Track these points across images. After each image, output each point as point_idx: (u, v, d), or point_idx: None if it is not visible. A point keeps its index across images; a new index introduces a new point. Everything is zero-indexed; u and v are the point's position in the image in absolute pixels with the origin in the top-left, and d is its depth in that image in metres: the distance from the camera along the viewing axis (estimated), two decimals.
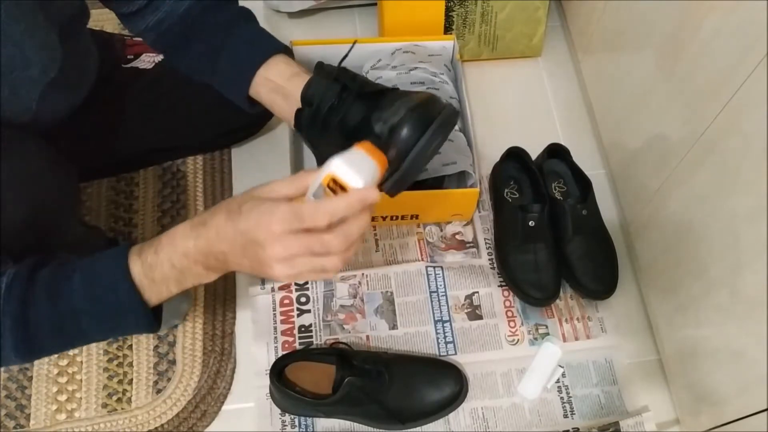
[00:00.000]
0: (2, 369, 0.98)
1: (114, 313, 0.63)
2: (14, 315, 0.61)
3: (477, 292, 1.04)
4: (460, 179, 1.05)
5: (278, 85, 0.82)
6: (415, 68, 1.10)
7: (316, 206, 0.58)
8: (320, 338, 1.00)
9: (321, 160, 1.04)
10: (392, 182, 0.74)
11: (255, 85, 0.83)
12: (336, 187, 0.60)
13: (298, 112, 0.80)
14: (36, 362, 0.99)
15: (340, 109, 0.78)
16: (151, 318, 0.65)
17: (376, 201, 0.60)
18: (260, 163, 1.15)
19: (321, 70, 0.81)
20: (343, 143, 0.70)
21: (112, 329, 0.66)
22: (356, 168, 0.61)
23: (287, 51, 0.85)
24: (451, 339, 1.01)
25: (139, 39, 1.05)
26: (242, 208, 0.60)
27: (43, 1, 0.69)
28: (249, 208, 0.59)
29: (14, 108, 0.71)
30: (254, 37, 0.85)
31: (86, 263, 0.64)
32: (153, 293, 0.63)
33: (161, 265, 0.62)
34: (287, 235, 0.58)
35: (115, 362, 0.99)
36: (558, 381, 0.98)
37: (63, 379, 0.98)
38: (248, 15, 0.87)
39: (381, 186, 0.72)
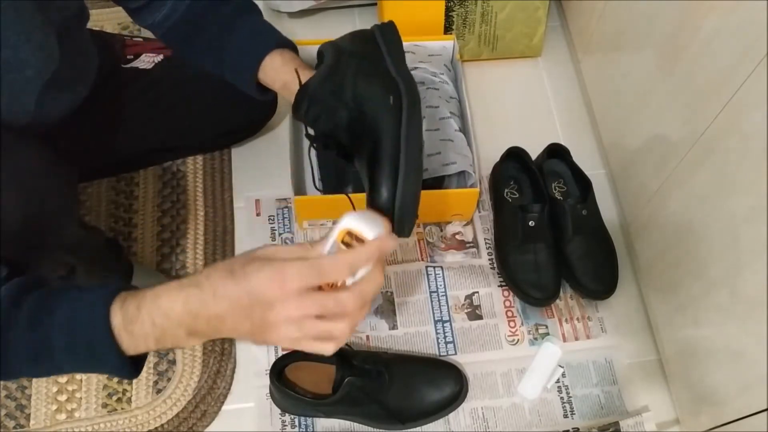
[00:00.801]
0: None
1: (89, 357, 0.61)
2: None
3: (477, 292, 1.04)
4: (460, 179, 1.05)
5: (275, 91, 0.84)
6: (415, 68, 1.10)
7: (335, 258, 0.58)
8: None
9: (323, 163, 1.05)
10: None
11: (261, 80, 0.84)
12: (352, 240, 0.60)
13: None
14: None
15: (329, 137, 0.79)
16: (128, 367, 0.61)
17: (394, 248, 0.61)
18: (260, 163, 1.15)
19: (301, 97, 0.79)
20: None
21: (88, 369, 0.64)
22: (369, 221, 0.62)
23: (284, 44, 0.84)
24: (451, 339, 1.01)
25: (139, 39, 1.05)
26: (246, 269, 0.56)
27: (41, 1, 0.69)
28: (256, 268, 0.56)
29: (13, 109, 0.71)
30: (254, 32, 0.85)
31: (71, 300, 0.61)
32: (131, 346, 0.60)
33: (142, 322, 0.59)
34: (302, 292, 0.55)
35: None
36: (558, 381, 0.98)
37: (63, 379, 0.98)
38: (250, 7, 0.87)
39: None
